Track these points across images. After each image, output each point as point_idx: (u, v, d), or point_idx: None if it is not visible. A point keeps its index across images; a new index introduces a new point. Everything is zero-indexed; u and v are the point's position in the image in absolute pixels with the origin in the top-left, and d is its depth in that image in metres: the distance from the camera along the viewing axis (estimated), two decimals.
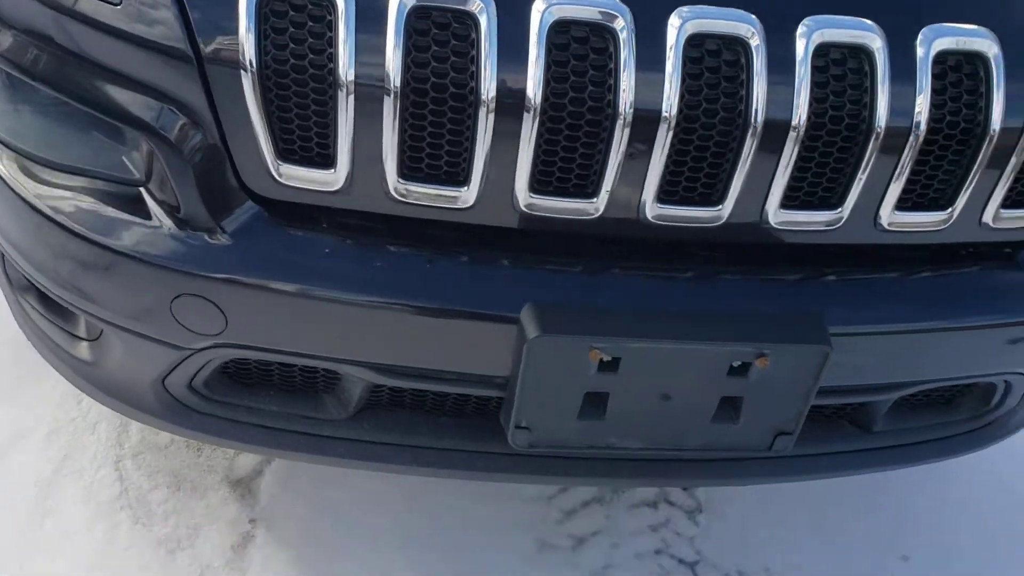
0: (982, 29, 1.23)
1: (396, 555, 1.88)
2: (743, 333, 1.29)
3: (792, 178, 1.25)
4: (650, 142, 1.18)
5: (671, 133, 1.17)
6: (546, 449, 1.38)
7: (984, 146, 1.27)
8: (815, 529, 2.10)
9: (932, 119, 1.24)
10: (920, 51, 1.21)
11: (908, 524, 2.14)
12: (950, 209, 1.33)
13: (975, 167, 1.29)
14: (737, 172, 1.22)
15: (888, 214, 1.31)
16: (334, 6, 1.12)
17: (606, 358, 1.27)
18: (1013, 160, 1.30)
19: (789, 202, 1.28)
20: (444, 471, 1.51)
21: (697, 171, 1.24)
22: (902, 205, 1.32)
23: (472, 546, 1.93)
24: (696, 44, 1.17)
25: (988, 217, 1.36)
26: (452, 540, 1.94)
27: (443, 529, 1.96)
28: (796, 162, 1.23)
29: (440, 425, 1.49)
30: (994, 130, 1.26)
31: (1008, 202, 1.37)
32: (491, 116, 1.15)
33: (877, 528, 2.12)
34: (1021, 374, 1.56)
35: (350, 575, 1.84)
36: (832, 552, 2.05)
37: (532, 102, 1.14)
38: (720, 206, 1.26)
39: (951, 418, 1.69)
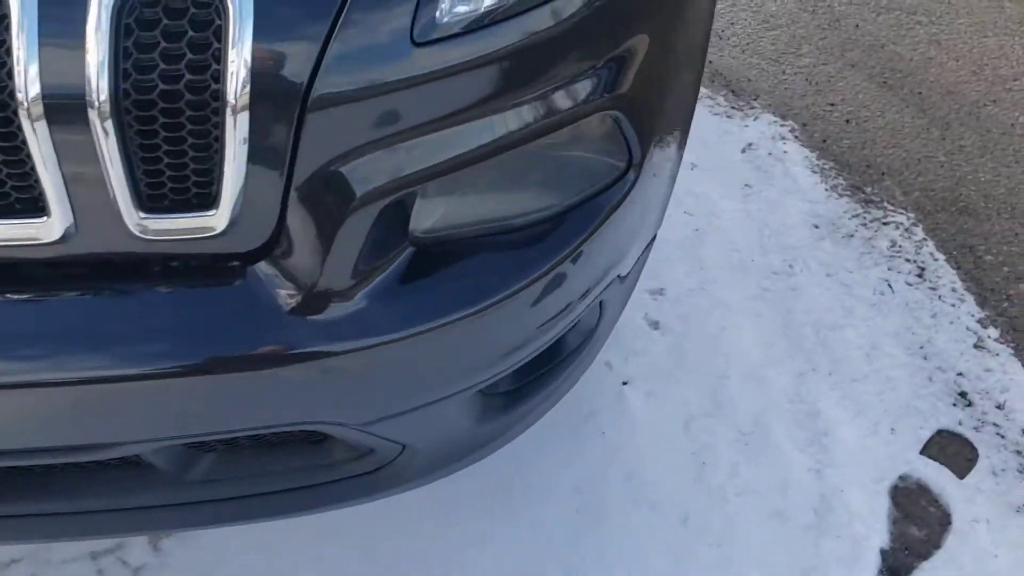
0: None
1: None
2: None
3: None
4: None
5: None
6: None
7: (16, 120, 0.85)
8: (313, 561, 1.72)
9: None
10: None
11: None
12: (45, 217, 0.92)
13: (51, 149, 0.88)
14: None
15: None
16: None
17: None
18: (103, 139, 0.88)
19: None
20: None
21: None
22: None
23: None
24: None
25: (131, 225, 0.94)
26: None
27: None
28: None
29: None
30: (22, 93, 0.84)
31: (161, 204, 0.95)
32: None
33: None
34: (335, 424, 1.16)
35: None
36: None
37: None
38: None
39: (313, 463, 1.30)
